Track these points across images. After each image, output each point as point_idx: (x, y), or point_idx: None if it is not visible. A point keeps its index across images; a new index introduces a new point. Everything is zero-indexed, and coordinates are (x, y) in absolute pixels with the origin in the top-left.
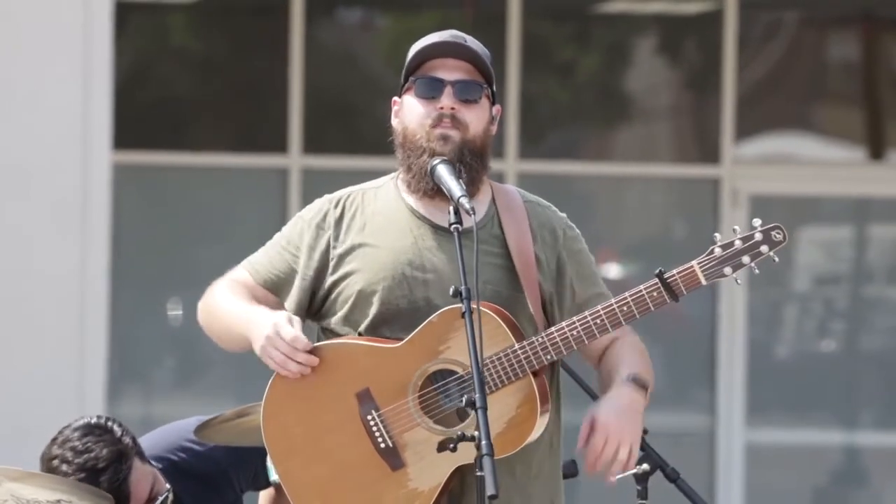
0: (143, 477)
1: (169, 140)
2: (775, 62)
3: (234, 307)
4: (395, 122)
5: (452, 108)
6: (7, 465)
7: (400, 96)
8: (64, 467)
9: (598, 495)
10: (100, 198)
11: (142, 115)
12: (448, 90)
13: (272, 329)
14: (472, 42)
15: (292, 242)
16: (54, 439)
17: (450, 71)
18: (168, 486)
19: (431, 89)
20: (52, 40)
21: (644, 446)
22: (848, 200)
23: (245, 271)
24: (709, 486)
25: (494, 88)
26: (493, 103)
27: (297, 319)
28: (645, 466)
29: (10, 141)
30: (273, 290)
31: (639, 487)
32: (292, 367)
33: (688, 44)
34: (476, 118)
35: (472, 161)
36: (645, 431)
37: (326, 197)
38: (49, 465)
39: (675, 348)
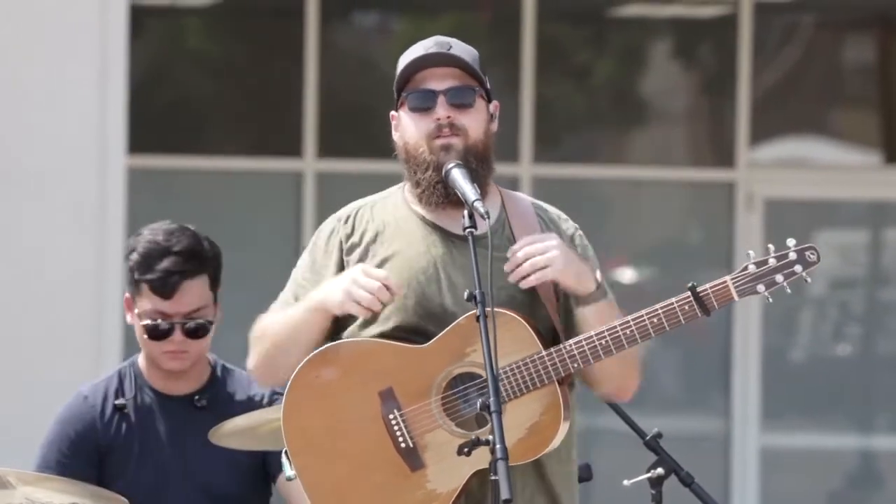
0: (206, 291)
1: (184, 144)
2: (790, 66)
3: (287, 312)
4: (395, 136)
5: (448, 117)
6: (23, 468)
7: (396, 111)
8: (160, 238)
9: (613, 499)
10: (115, 202)
11: (157, 119)
12: (441, 99)
13: (356, 271)
14: (458, 46)
15: (314, 269)
16: (138, 236)
17: (439, 80)
18: (220, 314)
19: (424, 101)
20: (68, 44)
21: (659, 450)
22: (863, 204)
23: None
24: (724, 491)
25: (488, 86)
26: (489, 101)
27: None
28: (659, 471)
29: (26, 144)
30: None
31: (653, 491)
32: (385, 295)
33: (703, 48)
34: (474, 122)
35: (478, 167)
36: (659, 435)
37: (335, 216)
38: (141, 245)
39: (690, 352)
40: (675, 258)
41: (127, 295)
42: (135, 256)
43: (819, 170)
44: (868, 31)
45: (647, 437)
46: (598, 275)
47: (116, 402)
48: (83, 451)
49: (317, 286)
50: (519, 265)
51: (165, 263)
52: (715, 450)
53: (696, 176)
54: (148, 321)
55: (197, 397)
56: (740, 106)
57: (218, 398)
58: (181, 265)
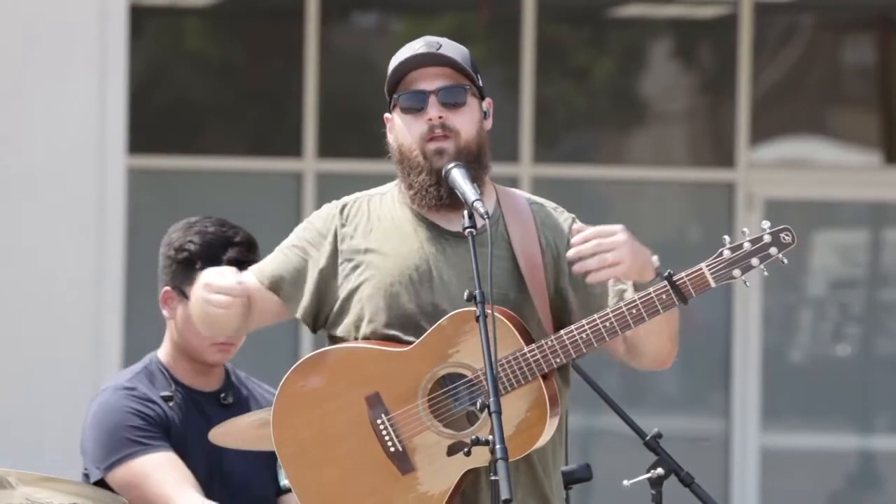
0: None
1: (184, 144)
2: (790, 66)
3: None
4: (389, 138)
5: (440, 117)
6: (23, 469)
7: (389, 113)
8: (214, 229)
9: (613, 499)
10: (115, 202)
11: (157, 120)
12: (432, 100)
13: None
14: (448, 45)
15: (299, 245)
16: (179, 231)
17: (430, 80)
18: None
19: (415, 102)
20: (67, 45)
21: (659, 450)
22: (863, 204)
23: (250, 273)
24: (723, 491)
25: (480, 83)
26: (482, 98)
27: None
28: (659, 471)
29: (25, 145)
30: (275, 289)
31: (653, 492)
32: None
33: (703, 48)
34: (466, 121)
35: (472, 167)
36: (659, 435)
37: (332, 204)
38: (195, 236)
39: (689, 352)
40: (675, 258)
41: (167, 288)
42: (193, 247)
43: (819, 170)
44: (868, 31)
45: (647, 437)
46: (655, 260)
47: (162, 393)
48: (155, 424)
49: (287, 259)
50: (586, 256)
51: (232, 253)
52: (715, 450)
53: (696, 176)
54: None
55: (223, 395)
56: (740, 106)
57: (240, 397)
58: (245, 255)
